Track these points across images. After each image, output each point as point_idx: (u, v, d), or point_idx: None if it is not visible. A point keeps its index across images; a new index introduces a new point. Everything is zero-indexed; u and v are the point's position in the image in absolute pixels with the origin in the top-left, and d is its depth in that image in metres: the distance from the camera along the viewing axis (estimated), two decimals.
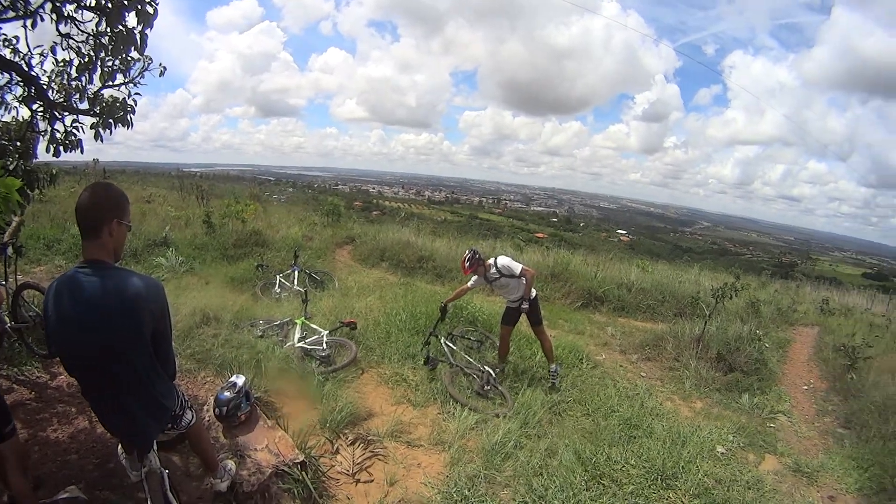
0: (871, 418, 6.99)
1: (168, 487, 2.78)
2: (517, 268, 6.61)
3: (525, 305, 6.66)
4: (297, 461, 4.07)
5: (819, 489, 5.63)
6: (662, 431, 5.95)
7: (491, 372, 6.46)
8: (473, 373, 6.51)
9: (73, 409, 4.66)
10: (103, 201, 2.39)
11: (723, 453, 5.83)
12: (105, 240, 2.39)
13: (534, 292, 6.84)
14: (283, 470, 3.96)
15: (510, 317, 6.97)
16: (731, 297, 9.50)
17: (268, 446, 4.16)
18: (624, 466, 5.08)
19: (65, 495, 3.52)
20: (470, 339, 7.93)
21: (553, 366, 6.94)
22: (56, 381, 5.13)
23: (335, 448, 4.72)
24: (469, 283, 6.88)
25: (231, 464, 3.81)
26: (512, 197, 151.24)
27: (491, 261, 6.76)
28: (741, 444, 6.21)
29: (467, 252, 6.73)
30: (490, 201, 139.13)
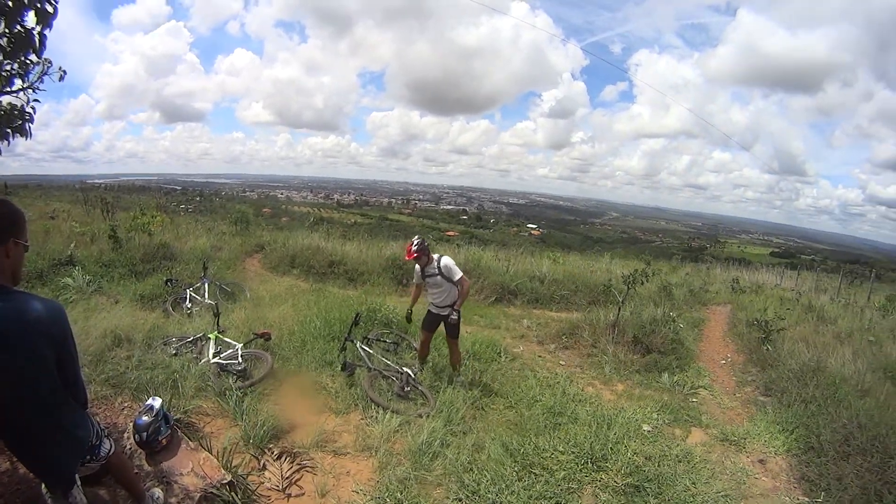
0: (790, 384, 7.52)
1: None
2: (457, 273, 6.58)
3: (454, 316, 6.65)
4: (225, 482, 4.03)
5: (748, 455, 6.03)
6: (587, 416, 6.20)
7: (410, 373, 6.52)
8: (392, 375, 6.56)
9: None
10: (0, 219, 2.29)
11: (649, 431, 6.13)
12: (1, 261, 2.29)
13: None
14: (211, 493, 3.91)
15: (432, 322, 6.94)
16: (642, 283, 9.91)
17: (193, 469, 4.10)
18: (553, 454, 5.27)
19: None
20: (386, 341, 7.99)
21: (459, 376, 7.05)
22: None
23: (262, 464, 4.67)
24: (415, 280, 7.01)
25: (158, 492, 3.73)
26: (421, 197, 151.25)
27: (435, 256, 6.72)
28: (666, 421, 6.54)
29: (416, 238, 6.64)
30: (399, 202, 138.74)
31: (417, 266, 6.79)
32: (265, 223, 21.16)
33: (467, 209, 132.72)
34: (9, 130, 4.86)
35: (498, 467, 4.90)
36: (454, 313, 6.61)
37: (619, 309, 9.45)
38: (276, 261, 14.14)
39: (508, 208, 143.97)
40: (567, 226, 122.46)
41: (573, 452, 5.29)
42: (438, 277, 6.65)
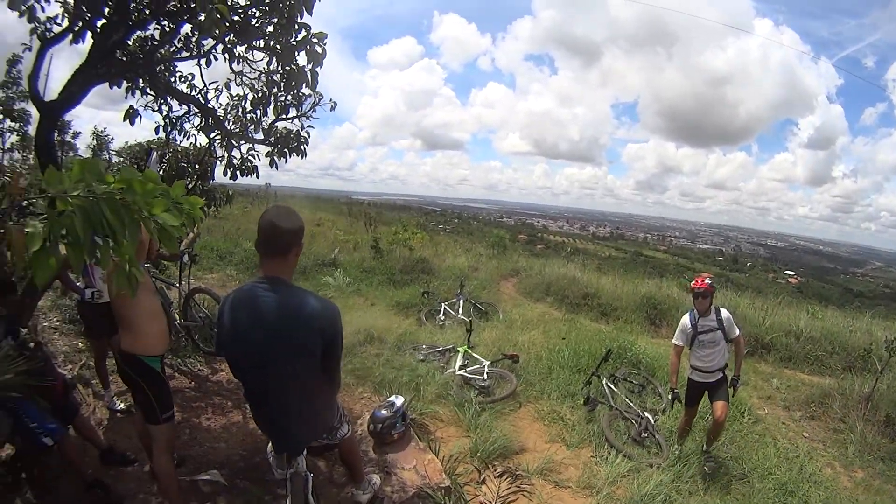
0: None
1: (310, 490, 2.86)
2: (737, 328, 5.57)
3: (720, 376, 5.53)
4: (443, 486, 4.07)
5: None
6: (818, 501, 5.40)
7: (650, 418, 6.12)
8: (633, 417, 6.17)
9: (228, 403, 5.04)
10: (295, 226, 2.51)
11: None
12: (291, 260, 2.54)
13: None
14: (426, 492, 3.97)
15: (695, 392, 5.78)
16: None
17: (416, 467, 4.19)
18: None
19: (206, 477, 3.79)
20: (632, 382, 7.48)
21: (711, 455, 5.76)
22: (216, 376, 5.63)
23: (482, 478, 4.65)
24: (679, 340, 5.71)
25: (376, 478, 3.89)
26: (677, 233, 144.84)
27: (714, 306, 5.59)
28: None
29: (705, 275, 5.66)
30: (655, 237, 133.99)
31: (687, 320, 5.63)
32: (521, 249, 21.52)
33: (724, 249, 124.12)
34: (286, 150, 5.61)
35: None
36: (737, 383, 5.61)
37: (877, 380, 8.14)
38: (530, 287, 14.21)
39: (766, 251, 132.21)
40: (826, 274, 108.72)
41: None
42: (717, 333, 5.51)
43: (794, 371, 10.46)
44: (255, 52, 5.05)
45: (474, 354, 7.01)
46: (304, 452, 2.88)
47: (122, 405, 4.71)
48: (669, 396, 6.04)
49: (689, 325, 5.57)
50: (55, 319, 5.67)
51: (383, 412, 4.47)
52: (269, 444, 2.99)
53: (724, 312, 5.57)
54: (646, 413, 6.25)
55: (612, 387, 6.72)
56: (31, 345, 3.38)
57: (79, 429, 3.72)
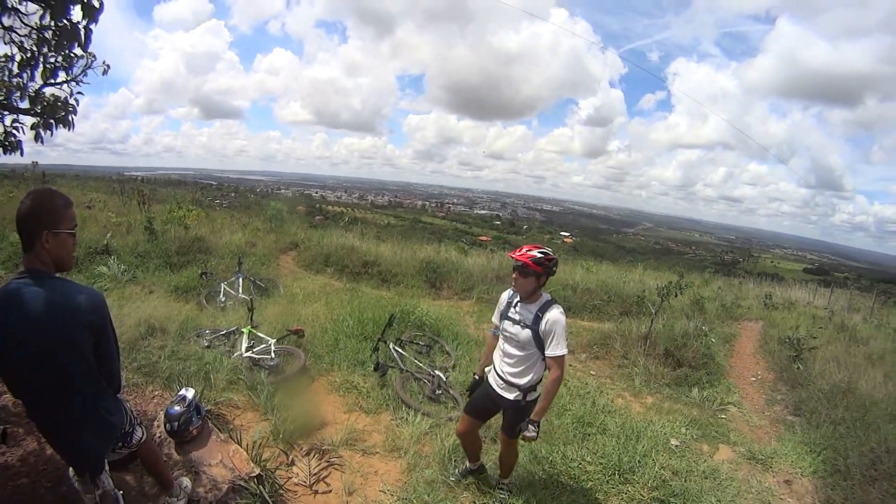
0: (820, 405, 7.31)
1: None
2: (562, 345, 3.90)
3: (530, 433, 3.90)
4: (254, 475, 4.02)
5: (774, 475, 5.86)
6: (616, 428, 6.12)
7: (441, 376, 6.49)
8: (424, 377, 6.53)
9: (20, 431, 4.50)
10: (37, 211, 2.33)
11: (677, 446, 6.02)
12: (38, 250, 2.33)
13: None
14: (239, 485, 3.90)
15: (483, 403, 4.31)
16: (675, 295, 9.73)
17: (222, 461, 4.09)
18: (581, 464, 5.22)
19: None
20: (419, 343, 7.92)
21: (506, 481, 4.62)
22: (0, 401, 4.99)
23: (290, 459, 4.67)
24: (494, 318, 4.34)
25: (186, 481, 3.75)
26: (455, 200, 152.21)
27: (544, 296, 4.09)
28: (694, 436, 6.42)
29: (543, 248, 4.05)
30: (433, 205, 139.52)
31: (507, 295, 4.23)
32: (299, 221, 21.19)
33: (501, 214, 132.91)
34: (52, 121, 4.97)
35: (525, 474, 4.87)
36: (530, 427, 3.91)
37: (652, 321, 9.32)
38: (310, 259, 14.16)
39: (542, 215, 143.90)
40: (600, 234, 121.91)
41: (601, 464, 5.24)
42: (525, 333, 3.96)
43: (575, 319, 11.60)
44: (28, 3, 4.43)
45: (259, 334, 6.89)
46: (107, 468, 2.73)
47: None
48: (473, 380, 4.58)
49: (504, 302, 4.20)
50: None
51: (176, 408, 4.27)
52: (70, 469, 2.80)
53: (554, 312, 3.96)
54: (437, 371, 6.62)
55: (400, 350, 7.01)
56: None
57: None
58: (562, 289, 12.96)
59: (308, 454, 4.78)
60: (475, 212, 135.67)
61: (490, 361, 4.36)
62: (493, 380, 4.19)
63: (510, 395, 4.05)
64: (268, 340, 6.69)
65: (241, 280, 9.80)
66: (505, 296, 4.23)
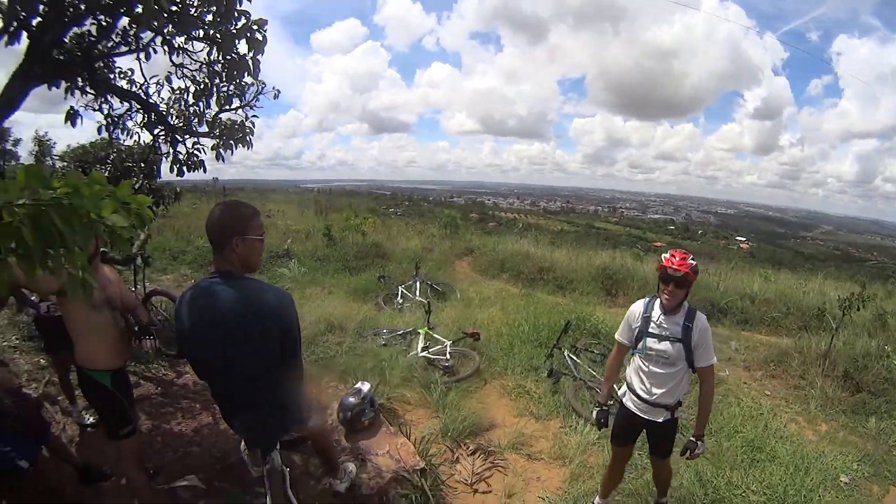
0: None
1: (289, 485, 2.86)
2: (711, 349, 3.53)
3: (697, 450, 3.59)
4: (418, 468, 4.08)
5: None
6: (786, 456, 5.52)
7: (614, 386, 6.26)
8: (596, 386, 6.25)
9: (197, 406, 4.96)
10: (226, 220, 2.48)
11: (846, 483, 5.35)
12: (229, 254, 2.47)
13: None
14: (402, 476, 3.97)
15: (626, 425, 3.92)
16: (857, 309, 8.76)
17: (389, 452, 4.19)
18: (745, 492, 4.74)
19: (184, 483, 3.71)
20: (594, 352, 7.58)
21: (664, 500, 4.27)
22: (182, 380, 5.53)
23: (455, 457, 4.70)
24: (621, 336, 3.83)
25: (352, 466, 3.88)
26: (627, 205, 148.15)
27: (685, 305, 3.57)
28: (866, 474, 5.67)
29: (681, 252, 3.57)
30: (606, 210, 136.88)
31: (638, 308, 3.75)
32: (473, 228, 21.54)
33: (674, 219, 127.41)
34: (232, 142, 5.51)
35: (687, 495, 4.50)
36: (699, 444, 3.59)
37: (832, 338, 8.43)
38: (485, 264, 14.24)
39: (716, 218, 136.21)
40: (777, 239, 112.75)
41: (765, 494, 4.71)
42: (676, 347, 3.52)
43: (752, 332, 10.76)
44: (194, 42, 4.93)
45: (435, 335, 7.02)
46: (278, 447, 2.86)
47: (91, 419, 4.53)
48: (594, 415, 4.10)
49: (638, 317, 3.70)
50: (13, 338, 5.47)
51: (351, 399, 4.46)
52: (242, 443, 2.95)
53: (702, 319, 3.55)
54: None
55: (574, 358, 6.78)
56: None
57: (52, 449, 3.56)
58: (739, 299, 12.03)
59: (473, 454, 4.76)
60: (648, 216, 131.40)
61: (612, 383, 4.12)
62: (632, 404, 3.82)
63: (659, 418, 3.68)
64: (444, 342, 6.81)
65: (418, 283, 10.12)
66: (637, 310, 3.73)
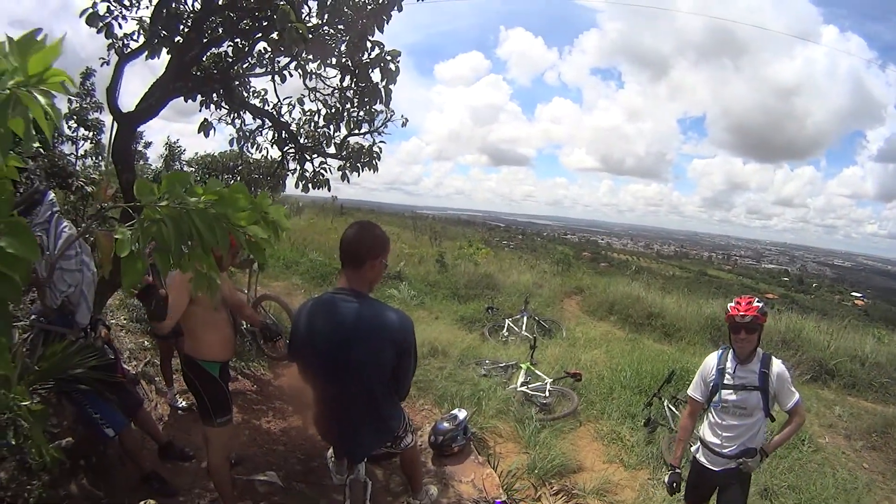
0: None
1: (369, 497, 2.97)
2: (793, 393, 3.43)
3: (752, 464, 3.45)
4: (499, 500, 4.12)
5: None
6: None
7: None
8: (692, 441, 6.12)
9: (289, 408, 5.26)
10: (371, 240, 2.66)
11: None
12: (364, 273, 2.64)
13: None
14: None
15: (700, 483, 3.80)
16: None
17: (473, 480, 4.27)
18: None
19: (262, 478, 3.94)
20: None
21: None
22: (278, 381, 5.80)
23: (538, 495, 4.67)
24: (694, 392, 3.88)
25: (434, 489, 3.98)
26: (742, 253, 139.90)
27: (759, 351, 3.53)
28: None
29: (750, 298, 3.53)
30: (720, 256, 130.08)
31: (712, 360, 3.74)
32: (585, 266, 21.30)
33: (789, 269, 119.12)
34: (359, 165, 5.83)
35: None
36: (757, 456, 3.45)
37: None
38: (594, 305, 13.99)
39: (832, 271, 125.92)
40: (895, 296, 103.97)
41: None
42: (754, 396, 3.44)
43: (858, 398, 10.03)
44: (327, 68, 5.26)
45: (537, 371, 7.01)
46: (366, 460, 2.99)
47: (183, 403, 4.91)
48: (666, 478, 3.90)
49: (713, 371, 3.65)
50: (122, 318, 5.93)
51: (445, 425, 4.57)
52: (330, 450, 3.10)
53: (778, 365, 3.48)
54: None
55: (674, 409, 6.55)
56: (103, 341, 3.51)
57: (140, 423, 3.86)
58: (849, 361, 11.25)
59: (556, 493, 4.73)
60: (762, 265, 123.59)
61: (685, 444, 3.96)
62: (705, 458, 3.69)
63: (733, 464, 3.48)
64: (544, 379, 6.80)
65: (525, 318, 10.13)
66: (711, 363, 3.71)
